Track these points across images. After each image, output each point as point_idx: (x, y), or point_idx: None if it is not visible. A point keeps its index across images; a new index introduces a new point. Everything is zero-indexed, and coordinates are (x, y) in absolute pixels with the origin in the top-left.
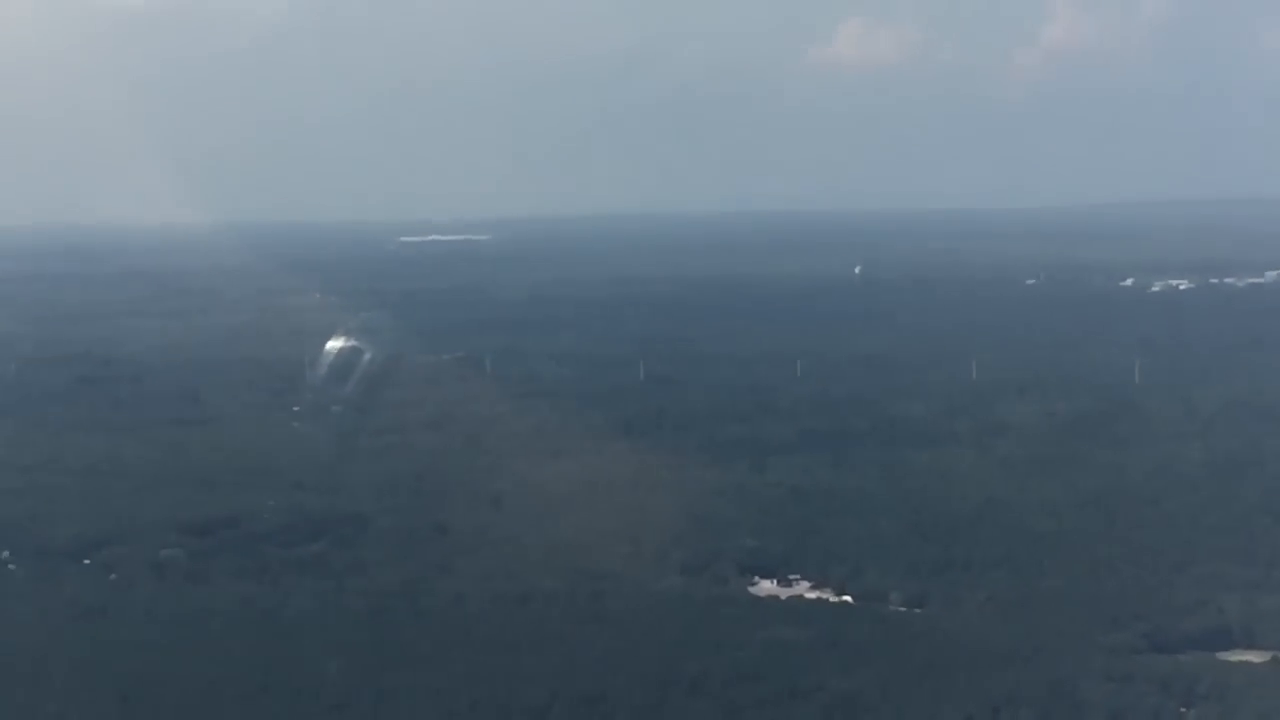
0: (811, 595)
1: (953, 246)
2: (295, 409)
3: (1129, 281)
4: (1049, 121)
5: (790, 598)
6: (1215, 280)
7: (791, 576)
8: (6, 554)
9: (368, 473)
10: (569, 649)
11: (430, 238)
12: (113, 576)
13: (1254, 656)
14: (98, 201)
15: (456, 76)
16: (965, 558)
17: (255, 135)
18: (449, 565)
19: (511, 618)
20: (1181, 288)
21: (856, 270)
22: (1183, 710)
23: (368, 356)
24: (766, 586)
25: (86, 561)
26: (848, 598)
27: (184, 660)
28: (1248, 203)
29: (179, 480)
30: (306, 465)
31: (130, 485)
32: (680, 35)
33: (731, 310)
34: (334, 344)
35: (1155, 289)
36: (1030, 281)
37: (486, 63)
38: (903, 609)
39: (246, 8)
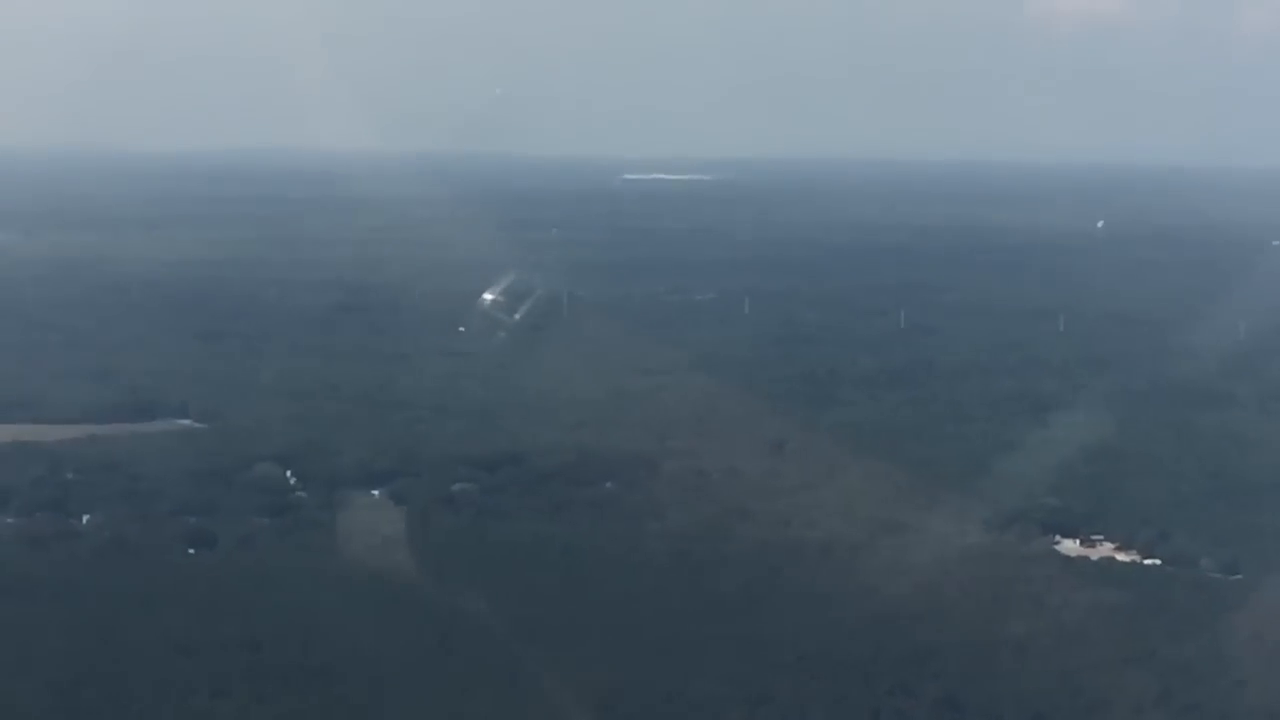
0: (1121, 557)
1: (1189, 204)
2: (554, 345)
3: None
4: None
5: (1101, 558)
6: None
7: (1095, 537)
8: (294, 480)
9: (643, 413)
10: (884, 603)
11: (654, 176)
12: (403, 508)
13: None
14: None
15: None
16: (1273, 525)
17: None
18: (746, 509)
19: (818, 568)
20: None
21: (1099, 224)
22: None
23: (622, 294)
24: (1069, 546)
25: (375, 492)
26: (1156, 560)
27: (499, 599)
28: None
29: (456, 412)
30: (581, 402)
31: (407, 416)
32: None
33: (980, 262)
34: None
35: None
36: (1277, 243)
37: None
38: (1218, 575)
39: None
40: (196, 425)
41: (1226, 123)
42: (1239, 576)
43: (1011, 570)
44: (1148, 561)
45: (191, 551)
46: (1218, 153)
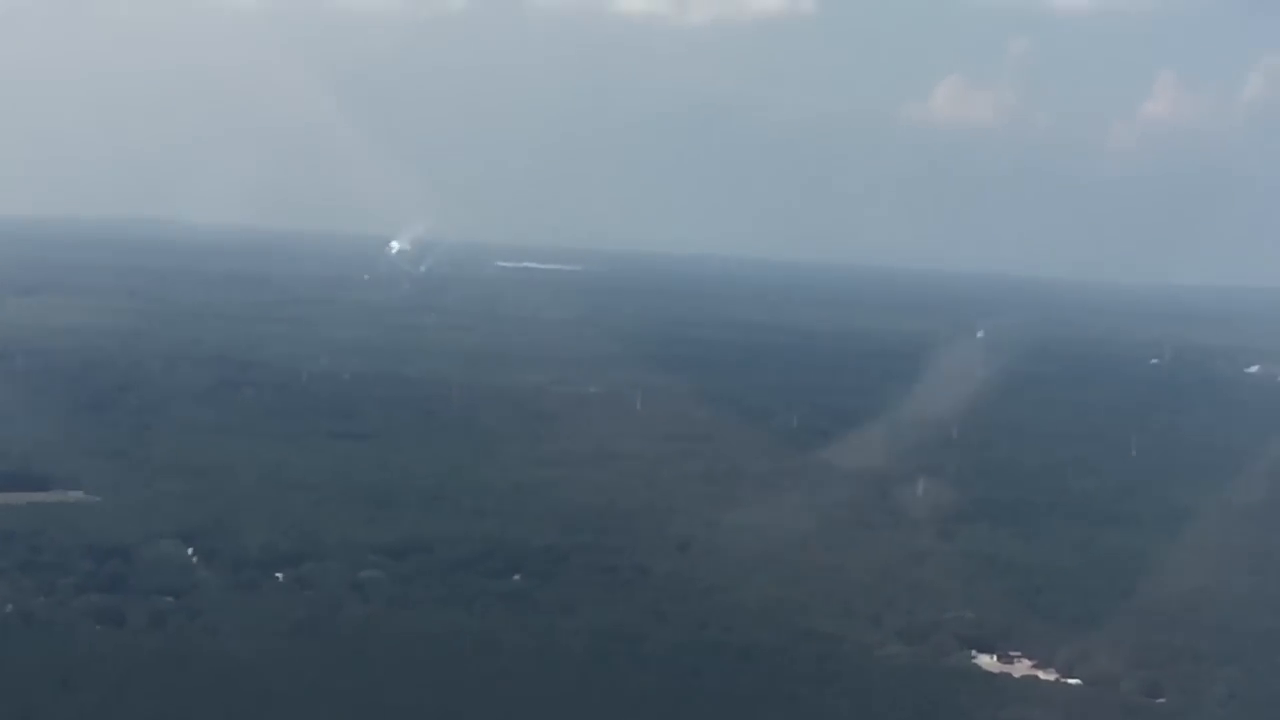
0: (1042, 675)
1: (1064, 317)
2: (450, 433)
3: (1255, 369)
4: (1139, 198)
5: (1024, 676)
6: None
7: (1012, 653)
8: (195, 559)
9: (545, 505)
10: (811, 715)
11: (525, 264)
12: (311, 593)
13: None
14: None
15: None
16: (1193, 648)
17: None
18: (660, 609)
19: (739, 674)
20: None
21: (979, 334)
22: None
23: (509, 384)
24: (987, 661)
25: (279, 575)
26: (1077, 680)
27: (419, 692)
28: None
29: (354, 497)
30: (483, 491)
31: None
32: (774, 82)
33: (865, 368)
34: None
35: None
36: (1154, 361)
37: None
38: (1142, 698)
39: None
40: (90, 497)
41: (1096, 238)
42: (1162, 700)
43: (936, 686)
44: (1070, 681)
45: (99, 628)
46: (1088, 267)
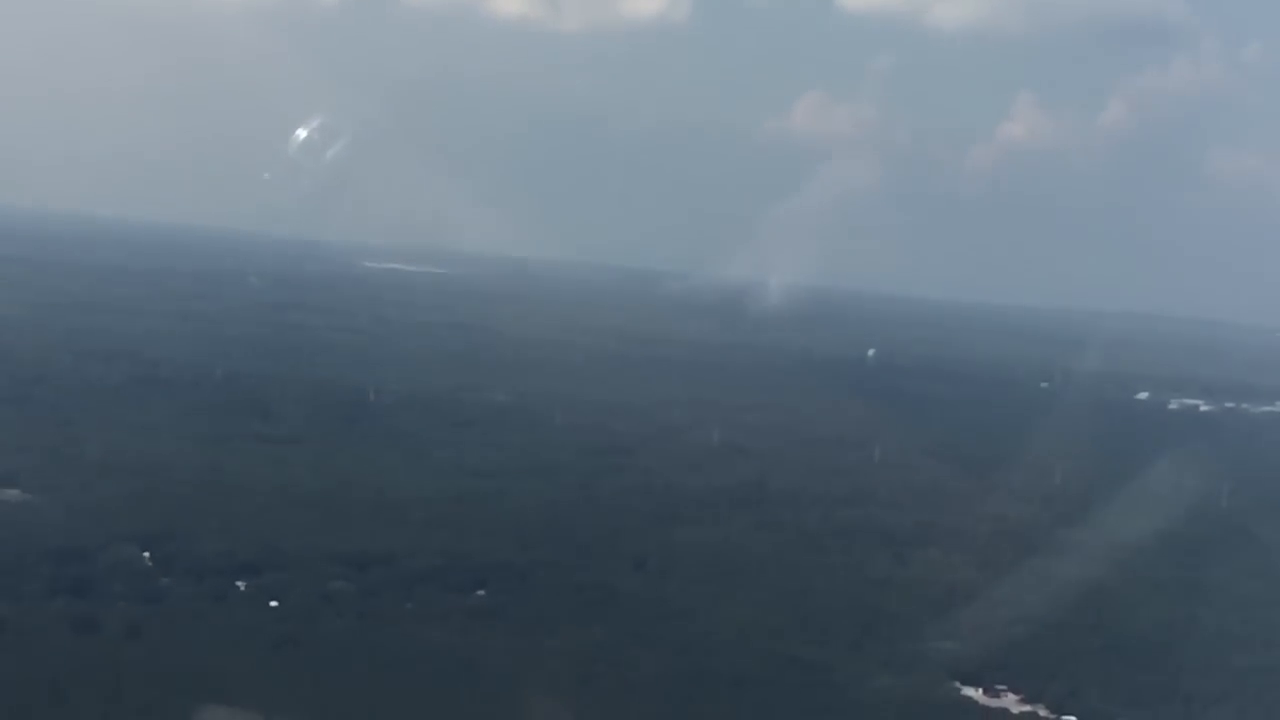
0: (1042, 711)
1: (950, 338)
2: (374, 439)
3: (1144, 395)
4: (998, 219)
5: (1022, 713)
6: (1231, 404)
7: (998, 686)
8: (153, 564)
9: (492, 518)
10: None
11: (391, 265)
12: (277, 605)
13: None
14: None
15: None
16: (1174, 685)
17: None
18: (638, 630)
19: (731, 705)
20: (1202, 409)
21: (870, 353)
22: None
23: (418, 390)
24: (975, 694)
25: (240, 584)
26: (1072, 717)
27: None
28: (1189, 322)
29: (301, 502)
30: (427, 503)
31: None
32: (642, 90)
33: (766, 384)
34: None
35: (1173, 407)
36: (1044, 385)
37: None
38: None
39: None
40: (28, 496)
41: (950, 256)
42: None
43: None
44: (1065, 718)
45: (77, 637)
46: (973, 289)
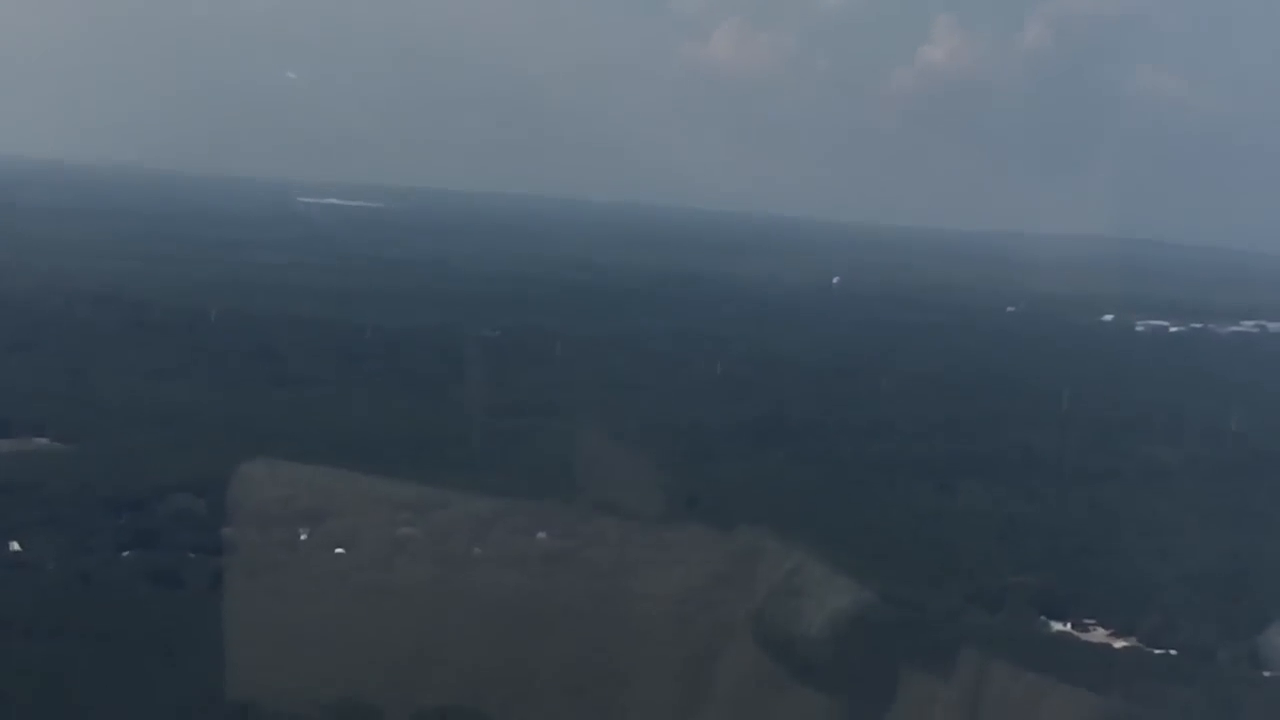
0: (1141, 645)
1: (899, 262)
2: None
3: (1109, 318)
4: (920, 144)
5: (1124, 648)
6: (1198, 325)
7: (1086, 620)
8: (209, 514)
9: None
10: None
11: (328, 200)
12: (352, 553)
13: None
14: None
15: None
16: (1254, 614)
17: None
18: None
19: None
20: (1171, 330)
21: (835, 280)
22: None
23: (414, 326)
24: (1061, 628)
25: (302, 533)
26: (1171, 650)
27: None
28: (1120, 242)
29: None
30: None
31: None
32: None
33: (744, 313)
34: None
35: (1140, 329)
36: (1010, 309)
37: None
38: (1250, 670)
39: None
40: (59, 445)
41: (879, 181)
42: (1268, 674)
43: (1046, 660)
44: (1160, 652)
45: (162, 590)
46: (899, 213)
